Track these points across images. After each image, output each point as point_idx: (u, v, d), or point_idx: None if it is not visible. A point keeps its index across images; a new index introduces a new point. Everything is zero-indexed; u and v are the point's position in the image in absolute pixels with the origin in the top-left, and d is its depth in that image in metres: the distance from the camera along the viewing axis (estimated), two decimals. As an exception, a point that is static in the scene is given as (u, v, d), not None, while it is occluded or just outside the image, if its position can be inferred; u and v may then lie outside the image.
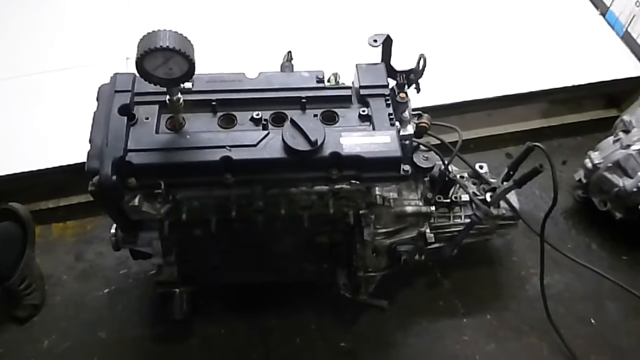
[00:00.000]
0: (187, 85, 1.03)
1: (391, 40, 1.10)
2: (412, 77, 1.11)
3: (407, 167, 1.02)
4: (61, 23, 1.88)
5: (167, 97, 0.95)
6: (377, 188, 1.10)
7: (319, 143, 0.96)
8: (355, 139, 1.00)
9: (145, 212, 1.01)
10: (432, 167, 1.14)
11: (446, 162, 1.20)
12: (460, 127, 1.25)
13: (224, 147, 0.97)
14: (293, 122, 0.96)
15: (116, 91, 1.00)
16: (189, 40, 0.86)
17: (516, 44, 1.86)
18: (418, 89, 1.13)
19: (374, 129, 1.03)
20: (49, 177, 1.48)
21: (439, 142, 1.28)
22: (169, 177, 0.97)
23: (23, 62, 1.75)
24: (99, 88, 1.02)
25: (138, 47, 0.84)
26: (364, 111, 1.05)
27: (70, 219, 1.61)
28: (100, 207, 1.01)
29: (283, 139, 0.96)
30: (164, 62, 0.86)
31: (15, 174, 1.46)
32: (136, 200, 0.98)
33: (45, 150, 1.49)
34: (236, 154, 0.96)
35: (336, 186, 1.05)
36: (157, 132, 1.00)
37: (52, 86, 1.67)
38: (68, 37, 1.83)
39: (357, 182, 1.03)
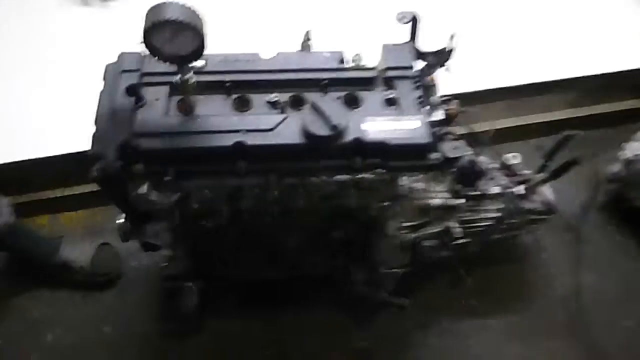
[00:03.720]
0: (199, 65, 0.96)
1: (417, 19, 1.02)
2: (441, 57, 1.02)
3: (436, 155, 0.94)
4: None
5: (178, 76, 0.88)
6: (403, 178, 1.02)
7: (340, 128, 0.88)
8: (380, 124, 0.92)
9: (153, 202, 0.94)
10: (461, 157, 1.05)
11: (476, 151, 1.11)
12: (482, 117, 1.17)
13: (237, 131, 0.89)
14: (313, 106, 0.89)
15: (123, 70, 0.93)
16: (199, 14, 0.79)
17: (541, 28, 1.76)
18: (448, 70, 1.05)
19: (400, 113, 0.95)
20: (56, 165, 1.41)
21: (466, 131, 1.20)
22: (178, 163, 0.90)
23: (28, 48, 1.68)
24: (106, 67, 0.95)
25: (145, 19, 0.77)
26: (389, 94, 0.97)
27: (80, 208, 1.55)
28: (104, 196, 0.94)
29: (302, 123, 0.88)
30: (172, 36, 0.79)
31: (22, 161, 1.40)
32: (144, 189, 0.91)
33: (52, 138, 1.42)
34: (250, 139, 0.89)
35: (358, 176, 0.97)
36: (166, 114, 0.92)
37: (59, 70, 1.60)
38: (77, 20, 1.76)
39: (382, 172, 0.95)
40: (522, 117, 1.78)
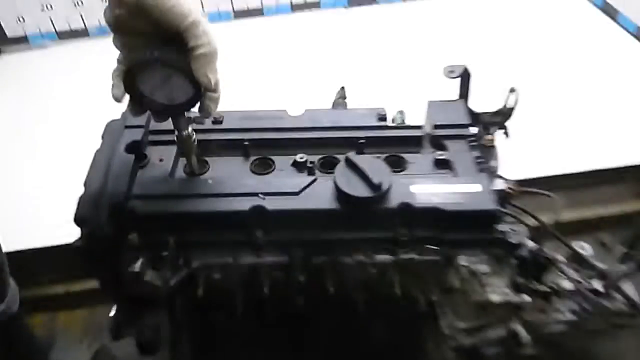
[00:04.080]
0: (207, 122, 0.82)
1: (469, 74, 0.88)
2: (499, 117, 0.86)
3: (504, 228, 0.74)
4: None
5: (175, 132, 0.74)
6: (460, 260, 0.82)
7: (383, 188, 0.70)
8: (432, 187, 0.74)
9: (149, 284, 0.75)
10: (524, 244, 0.85)
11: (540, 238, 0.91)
12: (537, 209, 0.97)
13: (255, 194, 0.73)
14: (349, 162, 0.72)
15: (127, 127, 0.80)
16: None
17: (609, 105, 1.60)
18: (507, 133, 0.88)
19: (456, 177, 0.78)
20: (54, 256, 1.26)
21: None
22: (181, 232, 0.72)
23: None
24: (107, 124, 0.82)
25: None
26: (440, 155, 0.80)
27: (80, 306, 1.36)
28: (89, 273, 0.76)
29: (335, 183, 0.71)
30: (162, 81, 0.65)
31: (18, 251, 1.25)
32: (137, 265, 0.73)
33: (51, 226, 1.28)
34: (271, 204, 0.72)
35: (404, 255, 0.77)
36: (170, 176, 0.77)
37: (61, 155, 1.51)
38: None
39: (435, 248, 0.75)
40: (585, 209, 1.56)
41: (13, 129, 1.61)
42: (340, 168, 0.73)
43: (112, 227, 0.70)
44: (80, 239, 0.70)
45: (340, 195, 0.71)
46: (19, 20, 1.99)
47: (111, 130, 0.80)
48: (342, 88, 0.92)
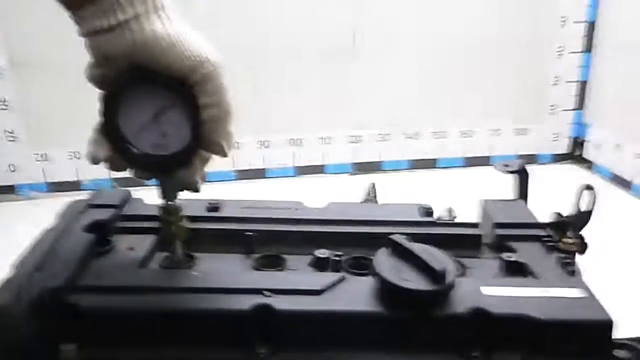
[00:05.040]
0: (199, 209, 0.62)
1: (527, 171, 0.72)
2: (574, 222, 0.68)
3: (626, 355, 0.50)
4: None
5: (159, 201, 0.54)
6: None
7: (449, 279, 0.48)
8: (512, 291, 0.52)
9: None
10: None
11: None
12: None
13: (258, 291, 0.50)
14: (396, 245, 0.51)
15: (92, 205, 0.60)
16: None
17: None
18: (583, 248, 0.67)
19: (537, 282, 0.56)
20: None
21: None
22: (146, 344, 0.47)
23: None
24: (68, 203, 0.62)
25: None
26: (509, 257, 0.59)
27: None
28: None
29: (377, 274, 0.49)
30: (153, 116, 0.48)
31: None
32: (66, 400, 0.47)
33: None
34: (282, 303, 0.48)
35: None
36: (140, 267, 0.55)
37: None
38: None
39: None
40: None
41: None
42: (382, 255, 0.51)
43: (36, 329, 0.45)
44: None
45: (385, 290, 0.48)
46: (11, 169, 1.90)
47: (71, 209, 0.60)
48: (373, 184, 0.75)
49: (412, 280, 0.48)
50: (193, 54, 0.47)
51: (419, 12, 1.92)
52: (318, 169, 2.12)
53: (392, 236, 0.51)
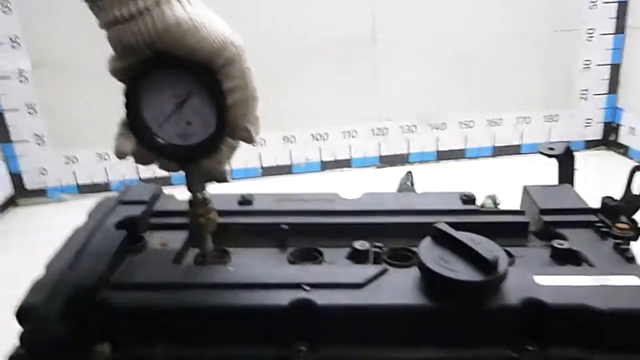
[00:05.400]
0: (232, 203, 0.60)
1: (573, 154, 0.68)
2: (626, 207, 0.63)
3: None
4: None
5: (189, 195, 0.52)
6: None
7: (501, 268, 0.45)
8: (568, 280, 0.48)
9: None
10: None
11: None
12: None
13: (296, 286, 0.47)
14: (441, 234, 0.48)
15: (122, 202, 0.58)
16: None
17: None
18: (638, 233, 0.63)
19: (591, 271, 0.52)
20: None
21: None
22: (180, 341, 0.45)
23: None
24: (98, 201, 0.61)
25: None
26: (560, 244, 0.56)
27: None
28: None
29: (423, 264, 0.46)
30: (176, 105, 0.46)
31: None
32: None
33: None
34: (322, 297, 0.46)
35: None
36: (172, 263, 0.53)
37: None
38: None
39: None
40: None
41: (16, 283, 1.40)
42: (426, 244, 0.48)
43: (68, 328, 0.44)
44: (20, 344, 0.43)
45: (432, 282, 0.45)
46: (42, 172, 1.92)
47: (102, 206, 0.58)
48: (409, 172, 0.72)
49: (460, 271, 0.45)
50: (216, 37, 0.44)
51: (441, 2, 1.87)
52: (344, 163, 2.09)
53: (437, 224, 0.48)
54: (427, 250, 0.47)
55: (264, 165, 2.05)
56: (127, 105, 0.46)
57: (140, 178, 1.87)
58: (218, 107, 0.46)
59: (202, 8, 0.46)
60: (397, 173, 2.08)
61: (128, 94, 0.46)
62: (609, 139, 2.11)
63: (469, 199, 0.62)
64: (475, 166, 2.04)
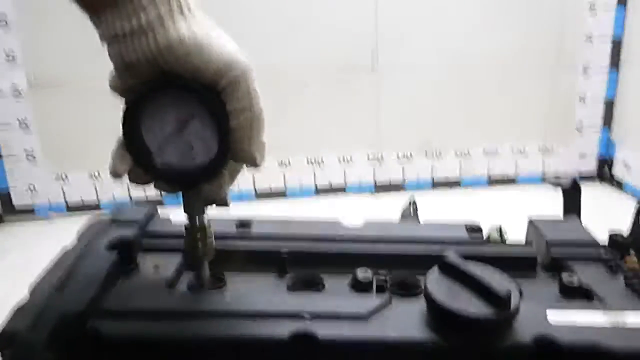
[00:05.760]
0: (228, 227, 0.58)
1: (579, 187, 0.66)
2: (631, 245, 0.62)
3: None
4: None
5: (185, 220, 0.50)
6: None
7: (514, 303, 0.43)
8: (579, 316, 0.46)
9: None
10: None
11: None
12: None
13: (298, 316, 0.45)
14: (450, 266, 0.46)
15: (114, 221, 0.56)
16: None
17: None
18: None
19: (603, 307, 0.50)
20: None
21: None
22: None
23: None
24: (88, 220, 0.58)
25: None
26: (569, 279, 0.54)
27: None
28: None
29: (430, 296, 0.44)
30: (178, 126, 0.45)
31: None
32: None
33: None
34: (324, 329, 0.44)
35: None
36: (166, 288, 0.50)
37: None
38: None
39: None
40: None
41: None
42: (434, 275, 0.46)
43: (55, 358, 0.41)
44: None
45: (440, 316, 0.43)
46: (31, 189, 1.88)
47: (93, 226, 0.56)
48: (413, 200, 0.70)
49: (470, 305, 0.43)
50: (222, 56, 0.43)
51: (441, 30, 1.89)
52: (339, 189, 2.07)
53: (445, 254, 0.46)
54: (434, 282, 0.45)
55: (258, 188, 2.03)
56: (124, 124, 0.44)
57: (131, 198, 1.84)
58: (221, 129, 0.44)
59: (208, 25, 0.44)
60: (392, 200, 2.07)
61: (127, 112, 0.44)
62: (603, 173, 2.12)
63: (475, 229, 0.60)
64: (471, 195, 2.03)
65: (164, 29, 0.41)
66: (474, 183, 2.07)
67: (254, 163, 0.46)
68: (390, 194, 2.04)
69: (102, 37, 0.43)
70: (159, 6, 0.41)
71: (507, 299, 0.42)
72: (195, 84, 0.43)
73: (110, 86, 0.45)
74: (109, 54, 0.43)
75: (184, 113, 0.44)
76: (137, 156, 0.45)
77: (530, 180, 2.07)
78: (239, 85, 0.43)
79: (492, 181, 2.08)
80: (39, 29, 1.65)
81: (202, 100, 0.43)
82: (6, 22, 1.63)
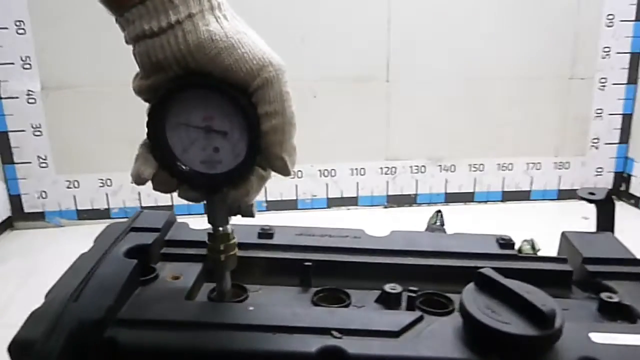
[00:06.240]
0: (250, 235, 0.56)
1: (613, 201, 0.64)
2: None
3: None
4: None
5: (208, 226, 0.47)
6: None
7: (557, 323, 0.40)
8: (623, 338, 0.44)
9: None
10: None
11: None
12: None
13: (325, 330, 0.42)
14: (488, 281, 0.43)
15: (133, 229, 0.54)
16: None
17: None
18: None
19: (646, 328, 0.47)
20: None
21: None
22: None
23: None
24: (107, 226, 0.56)
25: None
26: (609, 297, 0.51)
27: None
28: None
29: (467, 313, 0.41)
30: (204, 129, 0.43)
31: None
32: None
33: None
34: (353, 346, 0.41)
35: None
36: (186, 299, 0.48)
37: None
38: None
39: None
40: None
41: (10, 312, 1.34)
42: (470, 291, 0.44)
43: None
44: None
45: (478, 334, 0.40)
46: (42, 195, 1.87)
47: (110, 232, 0.54)
48: (439, 211, 0.67)
49: (512, 323, 0.40)
50: (254, 57, 0.41)
51: (454, 43, 1.87)
52: (351, 201, 2.05)
53: (482, 270, 0.44)
54: (471, 298, 0.43)
55: (269, 199, 2.01)
56: (149, 124, 0.42)
57: (141, 206, 1.83)
58: (250, 133, 0.42)
59: (240, 24, 0.42)
60: (404, 214, 2.04)
61: (152, 114, 0.42)
62: (619, 189, 2.08)
63: (506, 242, 0.57)
64: (485, 210, 2.00)
65: (195, 27, 0.40)
66: (488, 198, 2.04)
67: (284, 168, 0.44)
68: (402, 207, 2.01)
69: (129, 36, 0.41)
70: (190, 4, 0.40)
71: (552, 317, 0.39)
72: (225, 85, 0.41)
73: (133, 89, 0.43)
74: (136, 54, 0.41)
75: (212, 114, 0.42)
76: (161, 158, 0.43)
77: (544, 195, 2.04)
78: (271, 87, 0.42)
79: (506, 196, 2.05)
80: (55, 35, 1.65)
81: (232, 102, 0.41)
82: (24, 29, 1.64)
